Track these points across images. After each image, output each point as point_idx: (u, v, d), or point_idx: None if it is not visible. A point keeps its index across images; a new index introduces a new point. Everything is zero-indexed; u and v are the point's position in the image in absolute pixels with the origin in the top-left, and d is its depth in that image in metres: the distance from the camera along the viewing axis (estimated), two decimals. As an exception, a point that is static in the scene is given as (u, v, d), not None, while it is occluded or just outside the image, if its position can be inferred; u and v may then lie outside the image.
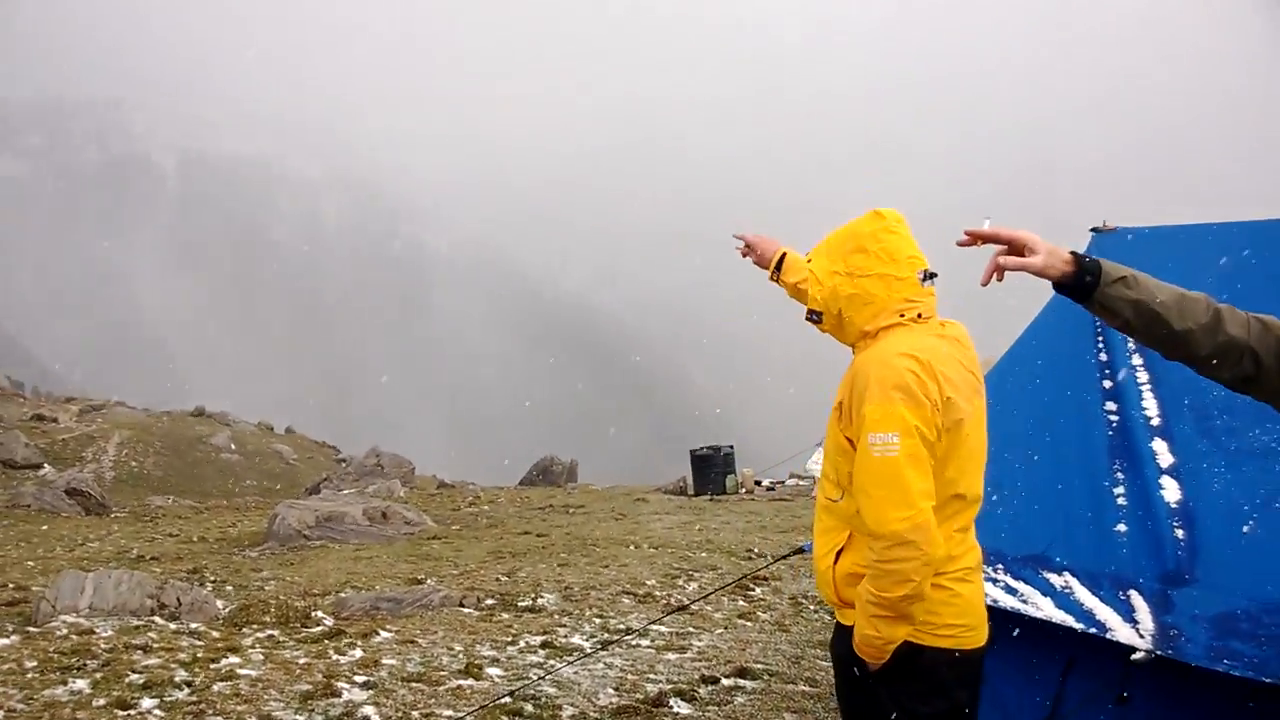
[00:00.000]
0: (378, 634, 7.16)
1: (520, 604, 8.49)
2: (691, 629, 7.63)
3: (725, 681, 6.11)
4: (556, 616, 8.06)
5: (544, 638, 7.22)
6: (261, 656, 6.52)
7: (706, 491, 20.54)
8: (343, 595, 8.58)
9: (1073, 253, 2.22)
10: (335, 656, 6.53)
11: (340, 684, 5.81)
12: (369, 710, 5.38)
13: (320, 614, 7.87)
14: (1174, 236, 4.62)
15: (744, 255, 3.58)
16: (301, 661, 6.40)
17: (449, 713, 5.31)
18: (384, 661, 6.40)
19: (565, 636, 7.31)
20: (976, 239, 2.27)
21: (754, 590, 9.23)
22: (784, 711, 5.52)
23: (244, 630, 7.25)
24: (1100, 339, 4.22)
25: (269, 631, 7.26)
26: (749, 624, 7.90)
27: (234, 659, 6.38)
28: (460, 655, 6.64)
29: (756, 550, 11.83)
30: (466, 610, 8.21)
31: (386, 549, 12.12)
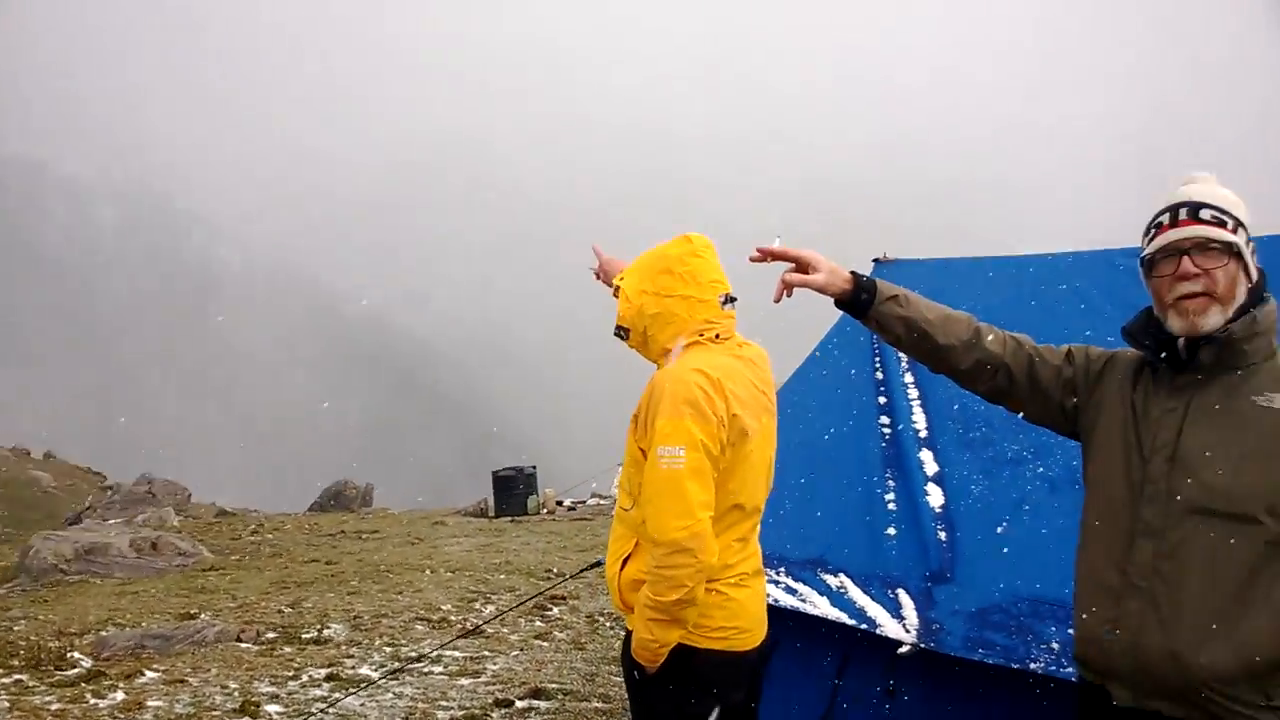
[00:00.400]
0: (142, 674, 6.57)
1: (304, 636, 8.03)
2: (486, 652, 7.46)
3: (519, 704, 6.01)
4: (344, 647, 7.67)
5: (329, 670, 6.86)
6: (7, 704, 5.83)
7: (508, 513, 20.28)
8: (104, 634, 7.82)
9: (852, 272, 2.34)
10: (93, 701, 5.94)
11: (94, 730, 5.29)
12: (126, 757, 4.91)
13: (77, 655, 7.14)
14: (947, 268, 4.99)
15: (596, 274, 3.47)
16: (54, 708, 5.78)
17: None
18: (149, 704, 5.87)
19: (353, 667, 6.97)
20: (767, 256, 2.36)
21: (551, 610, 9.16)
22: (577, 730, 5.49)
23: (-17, 677, 6.46)
24: (877, 358, 4.48)
25: (16, 676, 6.52)
26: (545, 644, 7.83)
27: (-31, 708, 5.68)
28: (235, 693, 6.19)
29: (556, 570, 11.76)
30: (244, 645, 7.68)
31: (156, 583, 11.18)
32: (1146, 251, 2.13)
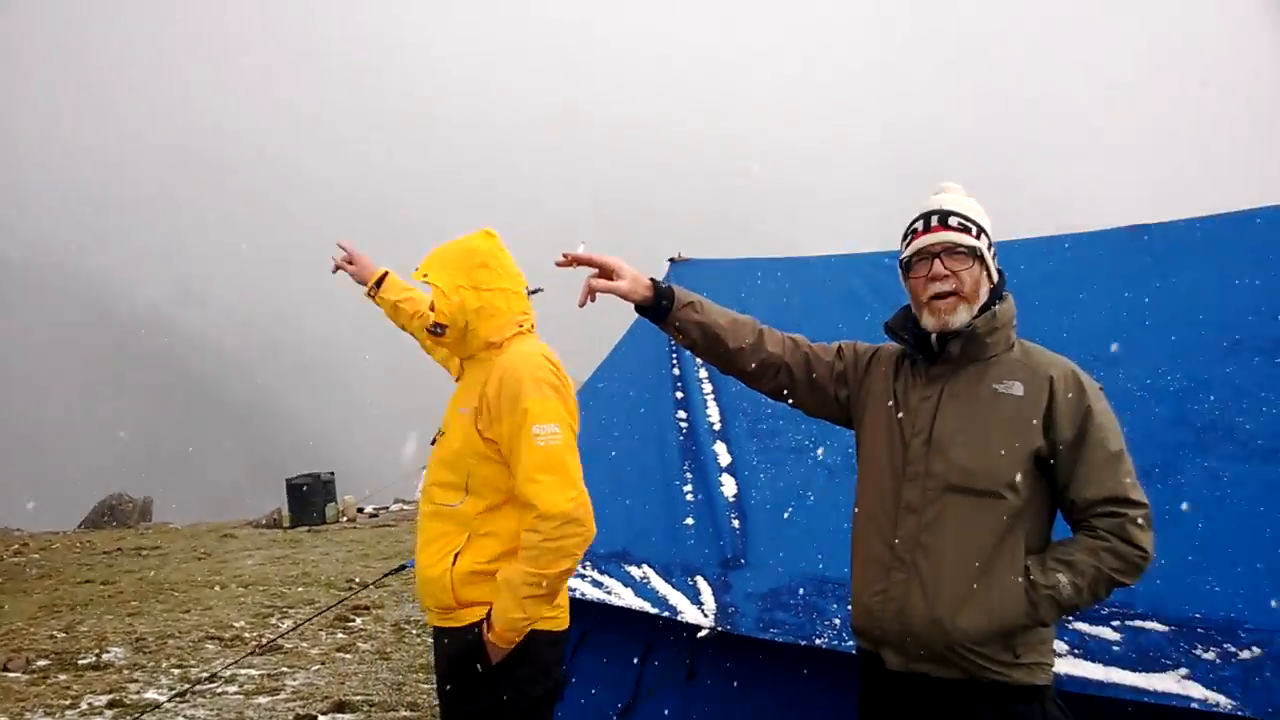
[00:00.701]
0: (-114, 716, 5.90)
1: (81, 661, 7.44)
2: (285, 669, 7.19)
3: (322, 719, 5.86)
4: (126, 671, 7.18)
5: (111, 696, 6.41)
6: None
7: (305, 522, 19.45)
8: None
9: (653, 280, 2.49)
10: None
11: None
12: None
13: None
14: (738, 268, 5.27)
15: (339, 268, 3.52)
16: None
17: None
18: (-106, 749, 5.30)
19: (138, 692, 6.54)
20: (572, 261, 2.46)
21: (354, 621, 8.92)
22: (386, 740, 5.42)
23: None
24: (674, 357, 4.70)
25: None
26: (349, 656, 7.62)
27: None
28: (2, 728, 5.69)
29: (358, 579, 11.44)
30: (13, 675, 7.02)
31: (-102, 614, 10.00)
32: (904, 254, 2.39)
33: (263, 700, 6.31)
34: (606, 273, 2.45)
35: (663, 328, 2.52)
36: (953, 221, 2.33)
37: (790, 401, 2.62)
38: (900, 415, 2.37)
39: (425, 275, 2.78)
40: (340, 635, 8.33)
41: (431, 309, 2.81)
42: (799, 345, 2.57)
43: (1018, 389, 2.25)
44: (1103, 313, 3.60)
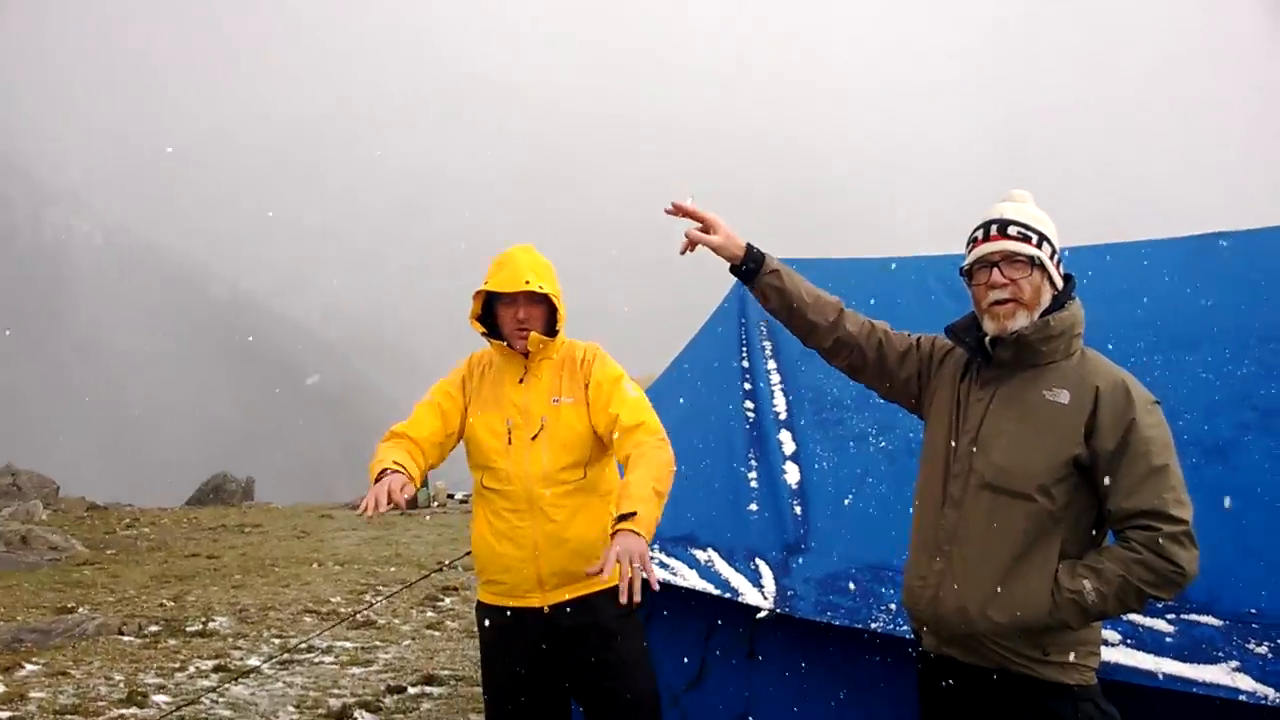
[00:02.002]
0: (22, 667, 6.46)
1: (189, 629, 7.98)
2: (378, 643, 7.58)
3: (412, 690, 6.18)
4: (231, 639, 7.67)
5: (217, 661, 6.87)
6: (-126, 705, 5.67)
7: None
8: (-26, 631, 7.58)
9: (747, 243, 2.65)
10: (-31, 696, 5.82)
11: (-27, 726, 5.22)
12: (11, 750, 4.88)
13: (-51, 652, 6.92)
14: (805, 268, 5.34)
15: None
16: (-75, 706, 5.64)
17: (106, 746, 4.94)
18: (31, 695, 5.80)
19: (240, 659, 6.99)
20: (678, 211, 2.66)
21: (443, 600, 9.31)
22: (469, 713, 5.69)
23: None
24: (744, 349, 4.81)
25: (-119, 676, 6.30)
26: (437, 633, 7.98)
27: None
28: (121, 684, 6.17)
29: (448, 561, 11.87)
30: (127, 638, 7.59)
31: (29, 576, 10.80)
32: (966, 262, 2.48)
33: (356, 671, 6.68)
34: (706, 227, 2.64)
35: (750, 289, 2.70)
36: (1012, 231, 2.40)
37: (862, 381, 2.76)
38: (957, 413, 2.48)
39: (541, 287, 3.04)
40: (430, 614, 8.72)
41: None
42: (876, 330, 2.69)
43: (1064, 397, 2.32)
44: (1174, 305, 3.60)
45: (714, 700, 3.67)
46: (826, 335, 2.66)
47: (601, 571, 2.52)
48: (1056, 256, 2.43)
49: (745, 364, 4.67)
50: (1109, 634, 2.72)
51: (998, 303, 2.37)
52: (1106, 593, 2.19)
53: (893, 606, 3.15)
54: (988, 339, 2.42)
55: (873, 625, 3.11)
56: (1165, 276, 3.78)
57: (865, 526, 3.53)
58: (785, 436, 4.11)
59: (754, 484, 3.97)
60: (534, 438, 3.04)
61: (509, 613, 3.04)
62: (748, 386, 4.51)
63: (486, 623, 3.12)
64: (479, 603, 3.19)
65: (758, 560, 3.64)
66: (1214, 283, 3.61)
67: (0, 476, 22.44)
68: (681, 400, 4.75)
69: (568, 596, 3.00)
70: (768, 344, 4.74)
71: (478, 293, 3.11)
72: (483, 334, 3.17)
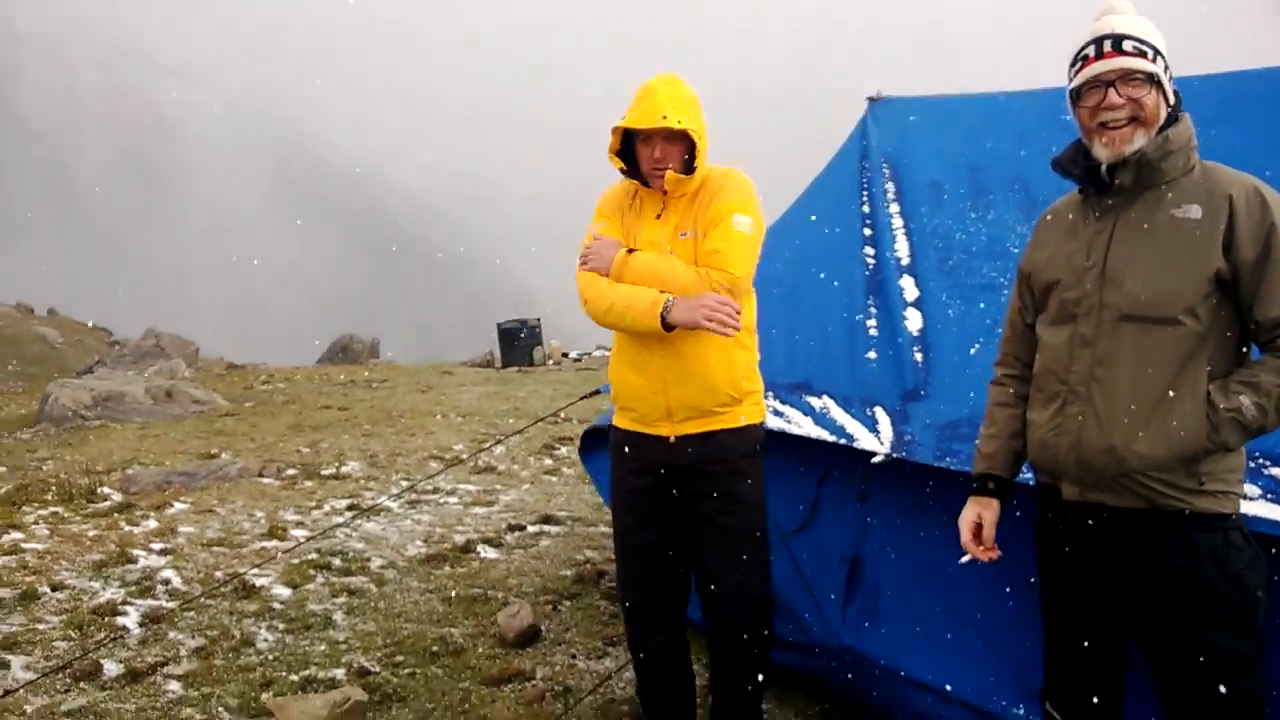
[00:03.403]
0: (171, 506, 7.01)
1: (324, 472, 8.48)
2: (499, 486, 7.91)
3: (531, 529, 6.45)
4: (362, 482, 8.13)
5: (350, 500, 7.31)
6: (47, 531, 6.27)
7: (514, 364, 20.73)
8: (130, 471, 8.26)
9: (996, 482, 2.60)
10: (128, 528, 6.38)
11: (136, 551, 5.72)
12: (169, 574, 5.34)
13: (108, 489, 7.58)
14: (938, 107, 5.02)
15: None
16: (91, 534, 6.22)
17: (254, 570, 5.35)
18: (181, 530, 6.31)
19: (372, 499, 7.41)
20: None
21: (559, 449, 9.60)
22: (585, 549, 5.93)
23: (23, 509, 6.90)
24: (865, 193, 4.61)
25: (52, 509, 6.96)
26: (554, 479, 8.27)
27: (16, 535, 6.11)
28: (262, 520, 6.63)
29: (564, 415, 12.21)
30: (267, 480, 8.12)
31: (175, 426, 11.64)
32: (1074, 84, 2.26)
33: (479, 510, 7.01)
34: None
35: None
36: (1128, 46, 2.19)
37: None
38: (1074, 254, 2.32)
39: (679, 122, 2.94)
40: (548, 461, 9.02)
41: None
42: (1021, 332, 2.58)
43: (1195, 212, 2.15)
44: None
45: (824, 542, 3.68)
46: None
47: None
48: (1169, 70, 2.23)
49: (866, 208, 4.48)
50: (1249, 488, 2.57)
51: (1112, 125, 2.19)
52: (1266, 405, 2.09)
53: (1017, 454, 3.05)
54: (1103, 167, 2.24)
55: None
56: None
57: (990, 374, 3.40)
58: (908, 282, 3.96)
59: (873, 331, 3.87)
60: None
61: (637, 436, 3.11)
62: (868, 232, 4.34)
63: (616, 443, 3.19)
64: (613, 426, 3.25)
65: (875, 408, 3.58)
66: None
67: (144, 339, 23.96)
68: (798, 243, 4.63)
69: (693, 430, 3.02)
70: (890, 185, 4.53)
71: (616, 128, 3.01)
72: (621, 170, 3.09)
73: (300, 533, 6.33)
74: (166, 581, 5.23)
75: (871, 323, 3.90)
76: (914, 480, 3.36)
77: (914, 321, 3.78)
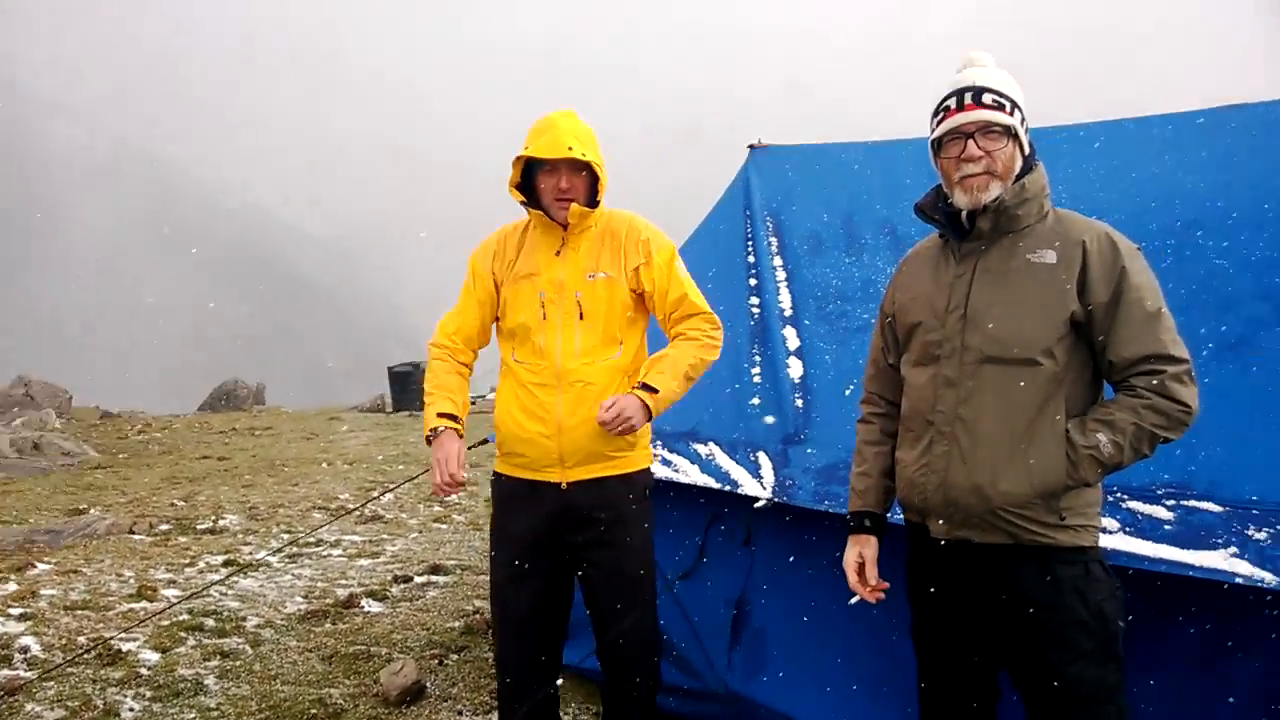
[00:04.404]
0: (34, 567, 6.57)
1: (199, 527, 8.11)
2: (385, 536, 7.70)
3: (418, 579, 6.29)
4: (240, 535, 7.80)
5: (226, 556, 6.99)
6: (-110, 600, 5.79)
7: (406, 408, 20.31)
8: (-13, 531, 7.71)
9: (874, 521, 2.67)
10: (-18, 593, 5.94)
11: (-11, 618, 5.33)
12: (28, 640, 4.99)
13: (-40, 552, 7.05)
14: (813, 153, 5.19)
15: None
16: (-59, 600, 5.76)
17: (120, 635, 5.05)
18: (43, 593, 5.92)
19: (250, 554, 7.11)
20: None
21: (451, 496, 9.40)
22: (474, 598, 5.80)
23: None
24: (750, 244, 4.72)
25: (-106, 575, 6.43)
26: (444, 526, 8.11)
27: None
28: (131, 580, 6.28)
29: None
30: (138, 537, 7.71)
31: (41, 481, 10.96)
32: (936, 134, 2.38)
33: (364, 562, 6.80)
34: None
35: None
36: (987, 99, 2.31)
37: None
38: (937, 297, 2.41)
39: (584, 154, 2.95)
40: (437, 508, 8.84)
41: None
42: (884, 370, 2.69)
43: (1050, 256, 2.27)
44: (1185, 184, 3.48)
45: (711, 587, 3.70)
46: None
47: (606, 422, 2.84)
48: (1025, 122, 2.36)
49: (751, 259, 4.58)
50: (1108, 522, 2.70)
51: (971, 176, 2.30)
52: (1122, 442, 2.19)
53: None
54: (964, 213, 2.35)
55: (872, 514, 3.10)
56: (1166, 155, 3.65)
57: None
58: (789, 332, 4.06)
59: (757, 379, 3.94)
60: (568, 314, 3.00)
61: (525, 484, 3.05)
62: (753, 283, 4.44)
63: (502, 490, 3.13)
64: (495, 474, 3.18)
65: (758, 453, 3.63)
66: (1221, 160, 3.49)
67: (13, 387, 22.61)
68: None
69: (586, 476, 3.00)
70: (774, 240, 4.64)
71: (518, 159, 2.99)
72: (521, 202, 3.08)
73: (172, 592, 6.01)
74: (25, 649, 4.88)
75: (756, 371, 3.98)
76: (796, 524, 3.42)
77: (795, 369, 3.87)
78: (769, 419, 3.79)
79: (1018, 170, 2.33)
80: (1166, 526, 2.71)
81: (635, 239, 3.06)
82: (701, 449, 3.84)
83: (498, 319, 3.18)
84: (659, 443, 3.99)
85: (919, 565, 2.51)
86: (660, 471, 3.77)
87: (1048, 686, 2.28)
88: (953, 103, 2.34)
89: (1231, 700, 2.60)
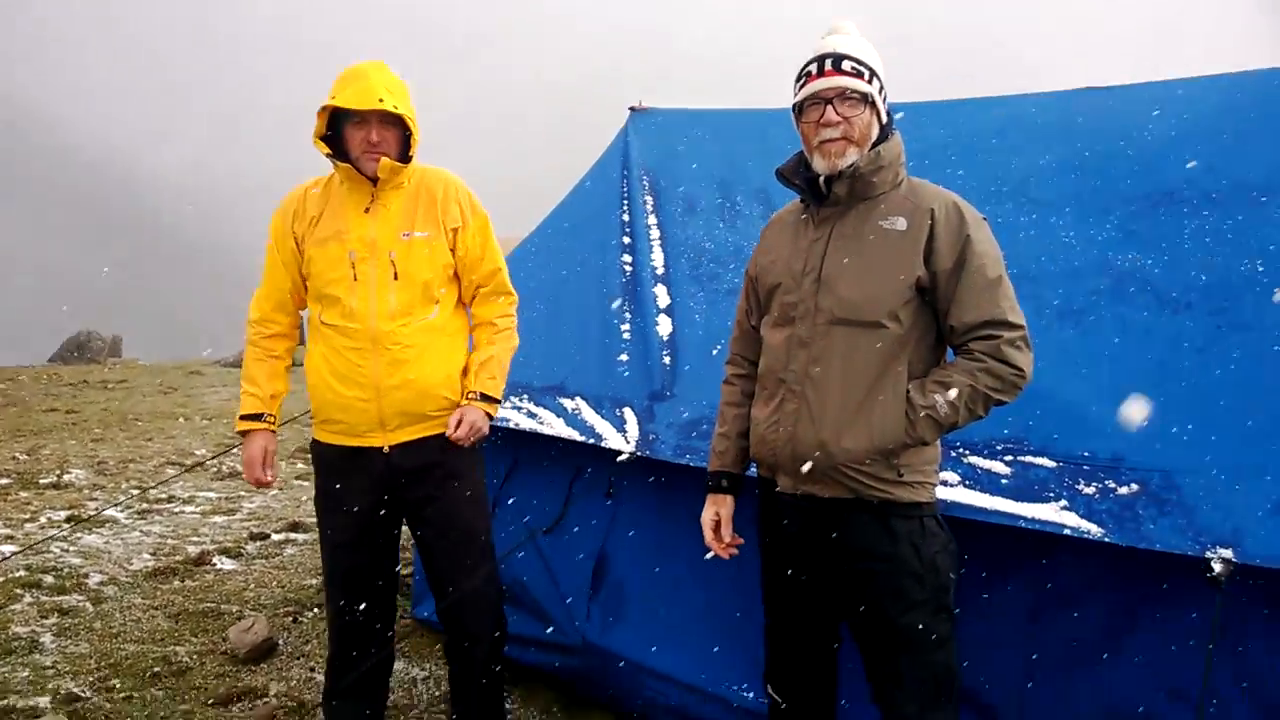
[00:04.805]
0: None
1: (42, 481, 7.65)
2: (243, 493, 7.43)
3: (276, 537, 6.10)
4: (87, 491, 7.40)
5: (70, 511, 6.62)
6: None
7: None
8: None
9: (730, 479, 2.74)
10: None
11: None
12: None
13: None
14: (689, 118, 5.20)
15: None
16: None
17: (-57, 592, 4.73)
18: None
19: (96, 509, 6.75)
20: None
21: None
22: (335, 557, 5.65)
23: None
24: (625, 203, 4.69)
25: None
26: (306, 483, 7.87)
27: None
28: (-38, 535, 5.88)
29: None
30: (-28, 491, 7.22)
31: None
32: (797, 98, 2.42)
33: (219, 519, 6.55)
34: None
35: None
36: (846, 66, 2.35)
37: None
38: (794, 259, 2.47)
39: (395, 107, 2.81)
40: (300, 465, 8.57)
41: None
42: (747, 332, 2.72)
43: (901, 224, 2.35)
44: (1043, 162, 3.63)
45: (572, 541, 3.72)
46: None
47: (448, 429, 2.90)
48: (884, 91, 2.42)
49: (626, 216, 4.57)
50: (948, 475, 2.82)
51: (829, 141, 2.35)
52: (957, 403, 2.27)
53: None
54: (821, 178, 2.40)
55: (730, 469, 3.15)
56: (1038, 128, 3.80)
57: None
58: (660, 290, 4.06)
59: (626, 336, 3.94)
60: (381, 274, 2.88)
61: (347, 451, 2.94)
62: (627, 240, 4.42)
63: (323, 459, 3.02)
64: (314, 441, 3.07)
65: (624, 408, 3.64)
66: (1075, 141, 3.65)
67: None
68: (562, 250, 4.65)
69: (409, 437, 2.93)
70: (649, 199, 4.63)
71: (323, 109, 2.83)
72: (327, 155, 2.90)
73: (8, 548, 5.65)
74: None
75: (625, 327, 3.97)
76: (659, 478, 3.45)
77: (664, 327, 3.88)
78: (635, 374, 3.80)
79: (874, 138, 2.39)
80: (1003, 480, 2.84)
81: (453, 199, 2.99)
82: (568, 403, 3.82)
83: (306, 283, 3.03)
84: (525, 395, 3.96)
85: (768, 519, 2.57)
86: (525, 424, 3.75)
87: (883, 635, 2.38)
88: (814, 68, 2.38)
89: (1052, 650, 2.76)
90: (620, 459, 3.37)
